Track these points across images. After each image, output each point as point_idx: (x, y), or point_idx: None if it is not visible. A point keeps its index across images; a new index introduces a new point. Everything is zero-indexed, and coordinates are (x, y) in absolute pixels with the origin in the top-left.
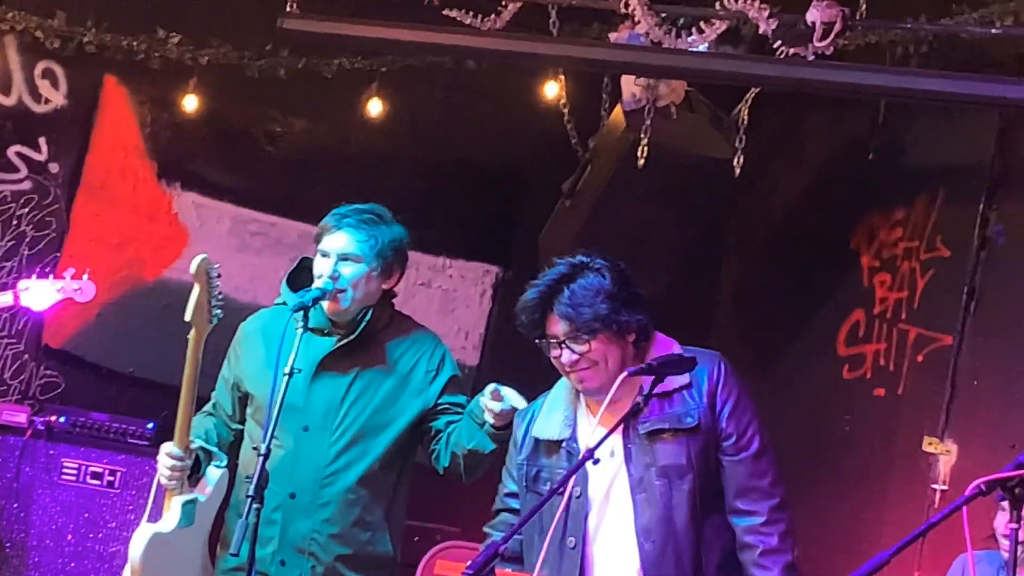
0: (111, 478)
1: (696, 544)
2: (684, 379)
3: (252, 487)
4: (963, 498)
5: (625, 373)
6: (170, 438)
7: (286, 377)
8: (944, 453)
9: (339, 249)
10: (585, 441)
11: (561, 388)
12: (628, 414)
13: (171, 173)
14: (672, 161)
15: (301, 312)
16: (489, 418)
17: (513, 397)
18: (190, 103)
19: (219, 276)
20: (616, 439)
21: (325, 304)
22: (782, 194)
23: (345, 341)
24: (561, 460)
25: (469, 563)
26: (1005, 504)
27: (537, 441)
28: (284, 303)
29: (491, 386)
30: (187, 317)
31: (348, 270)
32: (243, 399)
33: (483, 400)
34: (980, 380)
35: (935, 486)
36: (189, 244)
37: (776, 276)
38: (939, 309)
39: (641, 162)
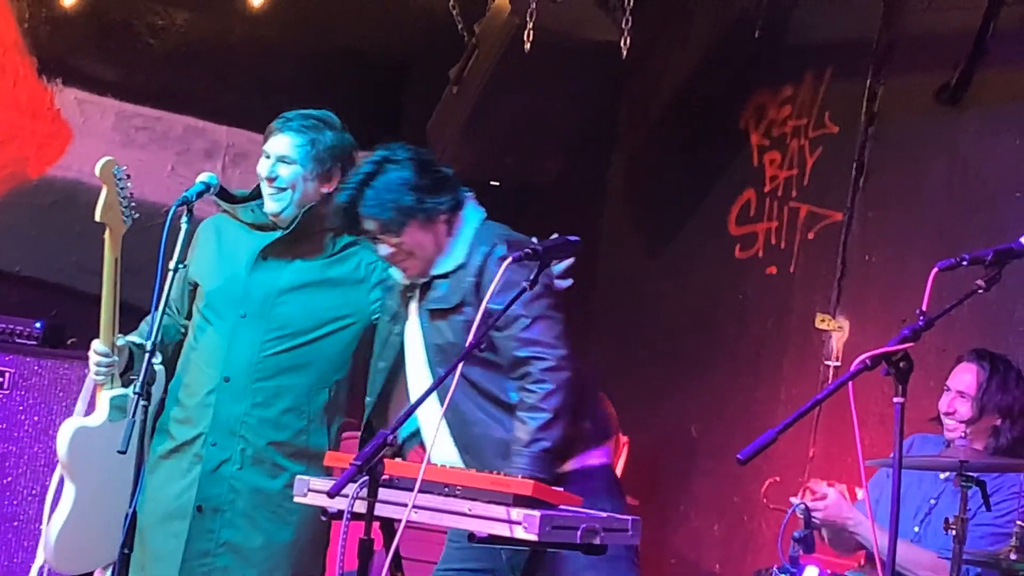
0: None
1: (486, 417)
2: (461, 259)
3: (138, 384)
4: (848, 373)
5: (509, 259)
6: (58, 338)
7: (171, 272)
8: (836, 329)
9: (278, 151)
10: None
11: None
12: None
13: (52, 69)
14: (559, 45)
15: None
16: None
17: None
18: None
19: (128, 177)
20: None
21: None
22: (670, 75)
23: (285, 233)
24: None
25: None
26: (949, 383)
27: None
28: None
29: None
30: (97, 217)
31: (284, 171)
32: (192, 294)
33: None
34: (871, 255)
35: (828, 362)
36: (73, 140)
37: (666, 158)
38: (829, 186)
39: (527, 47)
